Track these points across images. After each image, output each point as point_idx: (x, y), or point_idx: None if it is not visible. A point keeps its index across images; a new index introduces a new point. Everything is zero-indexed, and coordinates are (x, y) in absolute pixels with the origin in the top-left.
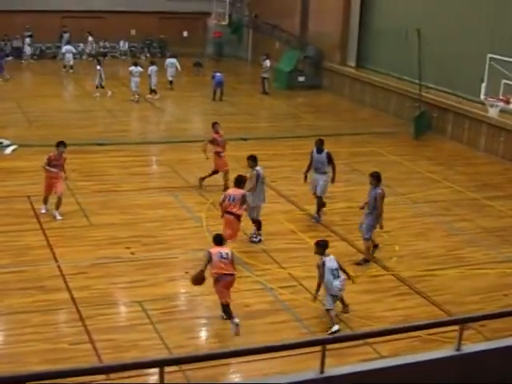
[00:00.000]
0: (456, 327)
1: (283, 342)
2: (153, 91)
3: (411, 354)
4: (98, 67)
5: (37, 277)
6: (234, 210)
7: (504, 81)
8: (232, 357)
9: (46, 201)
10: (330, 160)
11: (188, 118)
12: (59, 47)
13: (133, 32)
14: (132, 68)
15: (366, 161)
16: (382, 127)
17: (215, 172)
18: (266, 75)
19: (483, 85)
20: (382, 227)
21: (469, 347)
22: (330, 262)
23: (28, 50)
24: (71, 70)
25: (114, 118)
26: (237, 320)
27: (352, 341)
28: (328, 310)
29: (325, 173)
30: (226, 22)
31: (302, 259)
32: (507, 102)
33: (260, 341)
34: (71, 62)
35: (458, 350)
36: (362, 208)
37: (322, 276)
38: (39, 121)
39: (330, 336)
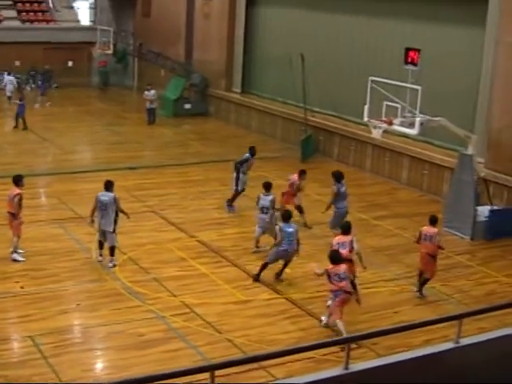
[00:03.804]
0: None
1: (172, 370)
2: None
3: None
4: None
5: None
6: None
7: (386, 102)
8: None
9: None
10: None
11: (74, 149)
12: None
13: (17, 63)
14: None
15: (253, 186)
16: (269, 152)
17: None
18: (153, 105)
19: (366, 107)
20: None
21: (356, 365)
22: (263, 200)
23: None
24: None
25: (0, 151)
26: None
27: (244, 364)
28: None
29: None
30: (110, 51)
31: (194, 286)
32: (390, 123)
33: (154, 370)
34: None
35: (346, 368)
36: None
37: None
38: None
39: (220, 361)
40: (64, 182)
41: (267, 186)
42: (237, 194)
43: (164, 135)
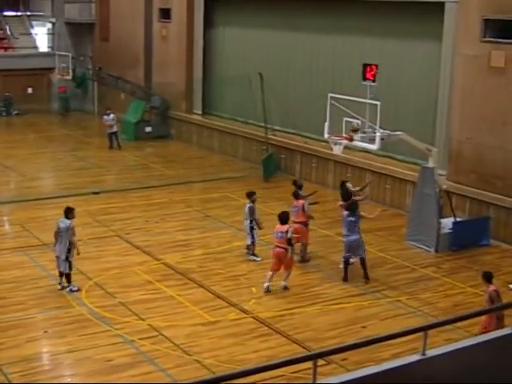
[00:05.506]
0: (322, 362)
1: None
2: None
3: None
4: None
5: None
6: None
7: (345, 118)
8: None
9: None
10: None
11: (37, 175)
12: None
13: None
14: None
15: (218, 206)
16: (232, 172)
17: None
18: (113, 130)
19: (326, 124)
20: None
21: (323, 380)
22: (245, 207)
23: None
24: None
25: None
26: None
27: None
28: None
29: None
30: (69, 77)
31: (161, 309)
32: (350, 139)
33: None
34: None
35: None
36: None
37: None
38: None
39: (190, 382)
40: (27, 209)
41: (248, 195)
42: None
43: (126, 159)
